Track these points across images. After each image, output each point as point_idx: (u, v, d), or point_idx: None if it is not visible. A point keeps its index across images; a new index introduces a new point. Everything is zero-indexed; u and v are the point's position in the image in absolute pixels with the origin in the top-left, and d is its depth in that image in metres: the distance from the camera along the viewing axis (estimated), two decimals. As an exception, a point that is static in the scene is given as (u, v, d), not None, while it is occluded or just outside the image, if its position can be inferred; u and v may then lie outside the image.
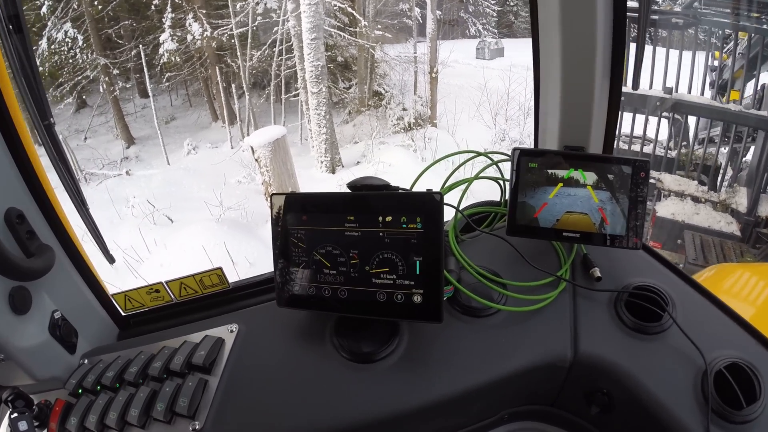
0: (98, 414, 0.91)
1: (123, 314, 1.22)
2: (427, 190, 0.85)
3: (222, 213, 7.82)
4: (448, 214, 1.11)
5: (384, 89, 13.21)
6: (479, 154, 1.25)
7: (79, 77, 12.52)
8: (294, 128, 12.03)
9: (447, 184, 1.20)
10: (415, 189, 0.98)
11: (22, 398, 0.93)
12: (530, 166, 1.06)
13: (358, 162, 10.19)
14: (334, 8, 12.37)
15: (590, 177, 1.04)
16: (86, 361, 1.05)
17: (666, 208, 5.57)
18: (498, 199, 1.31)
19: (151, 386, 0.94)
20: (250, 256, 5.92)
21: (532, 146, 1.31)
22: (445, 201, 0.94)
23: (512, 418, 1.15)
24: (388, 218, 0.85)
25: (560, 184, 1.05)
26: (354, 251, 0.89)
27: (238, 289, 1.21)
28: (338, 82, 13.25)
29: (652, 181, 5.67)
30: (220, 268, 1.14)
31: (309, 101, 9.64)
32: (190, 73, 13.45)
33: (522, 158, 1.06)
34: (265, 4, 12.10)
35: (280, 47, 12.11)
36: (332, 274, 0.91)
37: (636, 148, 5.98)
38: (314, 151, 10.00)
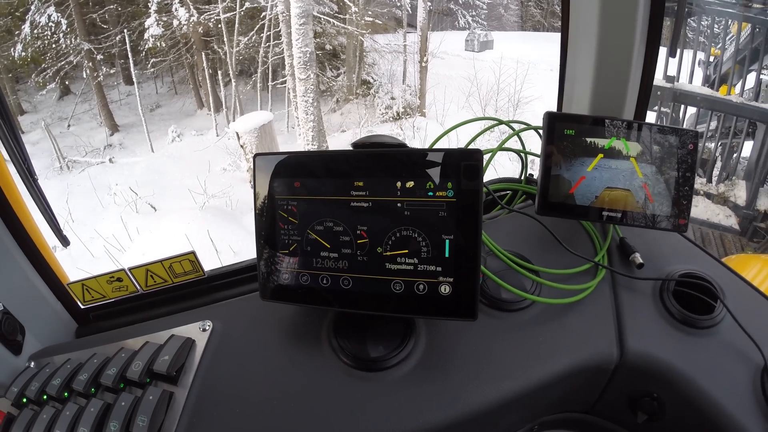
0: (43, 429, 0.73)
1: (81, 307, 1.02)
2: (465, 147, 0.66)
3: (206, 201, 7.66)
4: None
5: (372, 78, 13.06)
6: (501, 122, 1.08)
7: (63, 63, 12.18)
8: (281, 116, 11.85)
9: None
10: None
11: None
12: (566, 133, 0.89)
13: (346, 152, 10.14)
14: (322, -4, 12.22)
15: (634, 148, 0.88)
16: (32, 364, 0.86)
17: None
18: (518, 176, 1.14)
19: (105, 398, 0.75)
20: (235, 245, 5.77)
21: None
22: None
23: (542, 427, 0.99)
24: (409, 184, 0.65)
25: (600, 155, 0.88)
26: (362, 228, 0.69)
27: (215, 278, 1.02)
28: (326, 70, 13.06)
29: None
30: (193, 253, 0.95)
31: (296, 88, 9.43)
32: (176, 59, 13.19)
33: (557, 124, 0.89)
34: (253, -12, 11.89)
35: (268, 33, 11.91)
36: (333, 257, 0.71)
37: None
38: (301, 139, 9.83)
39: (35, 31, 11.60)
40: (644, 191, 0.89)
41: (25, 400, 0.79)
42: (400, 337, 0.75)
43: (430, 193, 0.64)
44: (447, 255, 0.65)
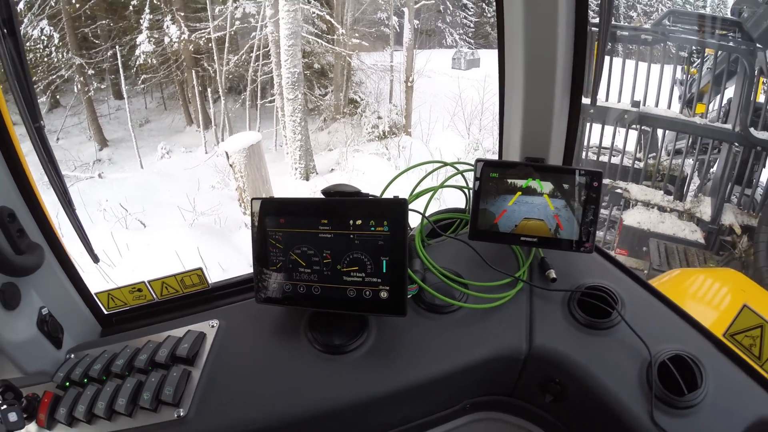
0: (87, 404, 0.97)
1: (105, 313, 1.26)
2: (394, 196, 0.94)
3: (195, 218, 7.79)
4: (417, 219, 1.20)
5: (360, 97, 13.35)
6: (446, 164, 1.35)
7: (54, 76, 12.32)
8: (269, 134, 12.05)
9: (415, 192, 1.28)
10: (386, 195, 1.06)
11: (12, 390, 0.98)
12: (491, 176, 1.16)
13: (332, 169, 10.27)
14: (313, 15, 12.45)
15: (547, 186, 1.13)
16: (72, 355, 1.11)
17: (632, 217, 5.79)
18: (463, 207, 1.41)
19: (137, 377, 1.00)
20: (224, 262, 5.92)
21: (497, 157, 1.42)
22: (413, 207, 1.04)
23: (473, 408, 1.22)
24: (358, 222, 0.93)
25: (519, 193, 1.14)
26: (327, 251, 0.97)
27: (218, 288, 1.28)
28: (314, 89, 13.33)
29: (619, 191, 5.89)
30: (201, 269, 1.21)
31: (285, 108, 9.68)
32: (166, 75, 13.37)
33: (485, 168, 1.16)
34: (244, 9, 12.11)
35: (257, 52, 12.14)
36: (307, 272, 0.99)
37: (605, 158, 6.21)
38: (289, 158, 10.04)
39: (27, 44, 11.70)
40: (555, 221, 1.14)
41: (68, 383, 1.04)
42: (357, 330, 1.03)
43: (372, 228, 0.92)
44: (384, 270, 0.93)
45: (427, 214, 1.24)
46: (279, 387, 0.99)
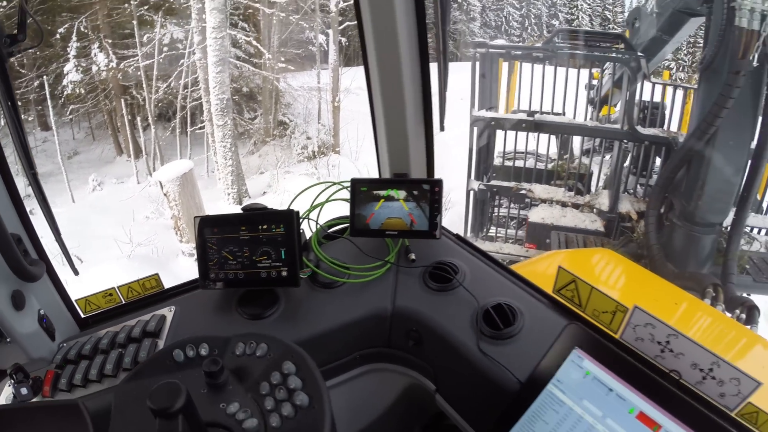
0: (82, 373, 1.33)
1: (83, 316, 1.60)
2: (287, 209, 1.43)
3: (132, 249, 7.90)
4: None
5: (289, 119, 13.64)
6: (335, 183, 1.82)
7: (-24, 109, 11.81)
8: (200, 161, 12.09)
9: (314, 203, 1.72)
10: (294, 206, 1.53)
11: (22, 371, 1.32)
12: (362, 190, 1.64)
13: (264, 192, 10.57)
14: (240, 40, 12.67)
15: (402, 194, 1.61)
16: (65, 344, 1.46)
17: (537, 214, 6.52)
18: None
19: (118, 350, 1.40)
20: (166, 289, 6.07)
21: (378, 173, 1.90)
22: (312, 216, 1.55)
23: (363, 360, 1.63)
24: (264, 227, 1.41)
25: (382, 200, 1.63)
26: (246, 248, 1.43)
27: (171, 288, 1.68)
28: (243, 113, 13.51)
29: (523, 191, 6.62)
30: (157, 274, 1.63)
31: (215, 134, 9.89)
32: (94, 105, 13.12)
33: (356, 185, 1.65)
34: (172, 35, 12.17)
35: (186, 79, 12.22)
36: (234, 264, 1.45)
37: (520, 163, 6.92)
38: (221, 183, 10.24)
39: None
40: (410, 218, 1.62)
41: (64, 363, 1.42)
42: (271, 303, 1.50)
43: (273, 230, 1.40)
44: (283, 257, 1.41)
45: (321, 221, 1.73)
46: None
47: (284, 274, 1.42)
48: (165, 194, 7.36)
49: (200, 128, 12.39)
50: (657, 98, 6.77)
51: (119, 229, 8.47)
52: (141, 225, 9.20)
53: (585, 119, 7.03)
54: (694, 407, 0.98)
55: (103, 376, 1.35)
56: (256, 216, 1.44)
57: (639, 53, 6.19)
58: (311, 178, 10.57)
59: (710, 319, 2.79)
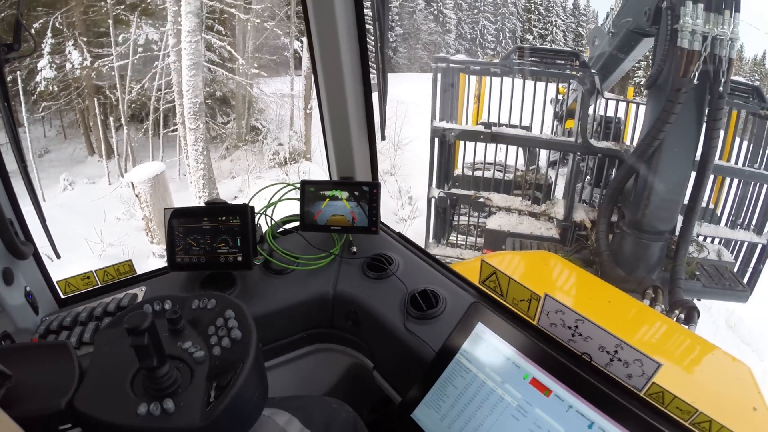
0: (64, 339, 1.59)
1: (62, 297, 1.76)
2: (243, 203, 1.69)
3: (104, 250, 8.00)
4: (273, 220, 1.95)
5: (261, 124, 13.81)
6: (289, 184, 2.09)
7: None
8: (172, 163, 12.15)
9: (270, 201, 1.96)
10: (254, 203, 1.78)
11: (9, 338, 1.48)
12: (310, 190, 1.90)
13: (235, 197, 10.75)
14: (214, 44, 12.79)
15: (344, 194, 1.87)
16: (47, 317, 1.63)
17: (494, 222, 6.88)
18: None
19: (96, 322, 1.60)
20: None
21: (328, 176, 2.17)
22: (268, 212, 1.81)
23: (310, 340, 1.85)
24: (223, 218, 1.67)
25: (327, 199, 1.89)
26: (207, 236, 1.68)
27: (143, 274, 1.89)
28: (216, 117, 13.62)
29: (482, 200, 6.98)
30: (130, 260, 1.87)
31: (187, 137, 10.00)
32: (67, 103, 13.01)
33: (305, 186, 1.91)
34: (147, 36, 12.21)
35: (160, 81, 12.26)
36: (197, 249, 1.70)
37: (487, 174, 7.28)
38: (192, 187, 10.34)
39: None
40: (351, 215, 1.88)
41: (47, 334, 1.62)
42: (230, 285, 1.74)
43: (230, 220, 1.66)
44: (239, 244, 1.67)
45: (276, 217, 2.00)
46: None
47: (239, 258, 1.68)
48: (137, 195, 7.49)
49: (173, 131, 12.46)
50: (620, 114, 7.25)
51: (90, 229, 8.53)
52: (112, 226, 9.25)
53: (551, 132, 7.42)
54: (602, 386, 1.09)
55: (82, 344, 1.53)
56: (216, 209, 1.69)
57: (593, 70, 6.58)
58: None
59: (636, 312, 3.13)
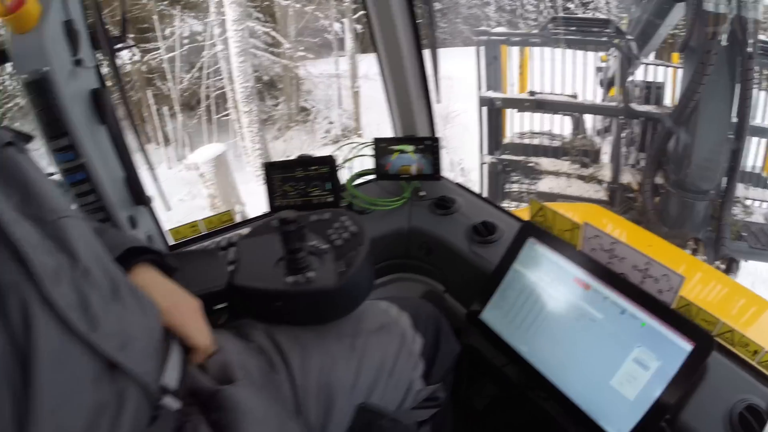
0: None
1: (172, 242, 1.89)
2: (328, 155, 1.95)
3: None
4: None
5: (311, 104, 14.10)
6: (361, 143, 2.34)
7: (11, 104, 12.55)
8: (228, 146, 12.58)
9: (348, 157, 2.22)
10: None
11: None
12: (381, 146, 2.17)
13: (292, 173, 10.95)
14: (257, 31, 13.12)
15: (410, 147, 2.11)
16: None
17: (545, 184, 7.04)
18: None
19: None
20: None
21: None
22: (346, 165, 2.08)
23: (388, 270, 2.07)
24: (313, 167, 1.92)
25: (396, 153, 2.14)
26: (301, 182, 1.93)
27: (243, 221, 2.12)
28: (266, 100, 14.00)
29: (531, 164, 7.13)
30: (230, 210, 2.17)
31: (241, 120, 10.43)
32: (120, 97, 13.57)
33: (377, 142, 2.16)
34: (191, 27, 12.65)
35: (208, 70, 12.70)
36: (292, 193, 1.94)
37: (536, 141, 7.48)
38: (250, 167, 10.77)
39: None
40: (417, 165, 2.13)
41: None
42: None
43: (320, 169, 1.93)
44: (328, 188, 1.95)
45: (354, 170, 2.26)
46: None
47: (330, 199, 1.95)
48: (201, 175, 7.94)
49: (225, 116, 12.91)
50: (666, 78, 7.22)
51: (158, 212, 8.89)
52: (176, 207, 9.67)
53: (600, 101, 7.50)
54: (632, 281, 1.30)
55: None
56: (306, 160, 1.96)
57: (628, 37, 6.65)
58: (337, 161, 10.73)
59: (674, 256, 3.27)
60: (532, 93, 6.91)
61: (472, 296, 1.68)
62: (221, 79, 12.32)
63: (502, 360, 1.67)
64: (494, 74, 7.14)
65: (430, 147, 2.10)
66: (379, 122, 12.15)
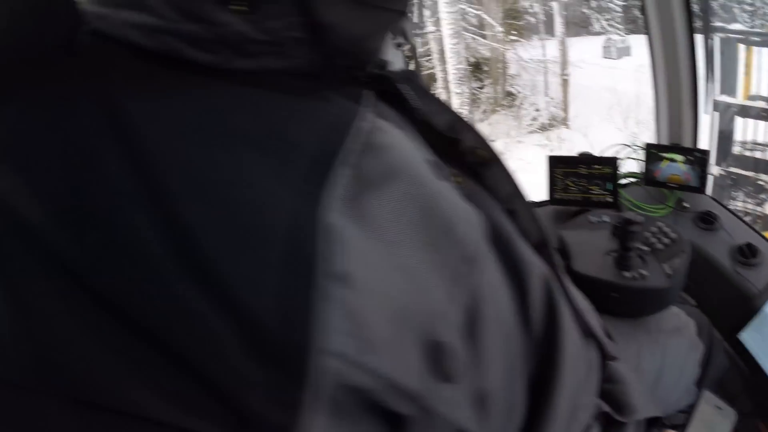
0: None
1: None
2: (611, 156, 2.17)
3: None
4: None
5: (516, 90, 13.96)
6: (629, 145, 2.50)
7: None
8: (436, 126, 13.16)
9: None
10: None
11: None
12: (652, 151, 2.31)
13: (501, 158, 11.17)
14: (467, 13, 13.37)
15: (679, 157, 2.20)
16: None
17: (772, 203, 6.27)
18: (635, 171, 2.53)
19: None
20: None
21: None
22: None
23: None
24: (596, 166, 2.12)
25: (666, 161, 2.25)
26: (583, 180, 2.16)
27: None
28: (471, 82, 13.97)
29: (761, 183, 6.35)
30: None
31: (451, 101, 10.86)
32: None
33: (649, 147, 2.28)
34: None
35: (419, 50, 13.28)
36: (573, 189, 2.17)
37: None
38: (462, 147, 11.15)
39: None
40: (686, 175, 2.22)
41: None
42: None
43: (604, 169, 2.16)
44: (608, 189, 2.18)
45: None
46: None
47: (609, 200, 2.13)
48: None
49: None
50: None
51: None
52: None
53: None
54: None
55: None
56: (589, 158, 2.18)
57: None
58: (544, 149, 10.81)
59: None
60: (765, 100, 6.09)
61: (728, 317, 1.76)
62: (431, 59, 12.83)
63: (751, 382, 1.70)
64: (725, 76, 6.41)
65: (699, 159, 2.16)
66: (588, 114, 11.89)
